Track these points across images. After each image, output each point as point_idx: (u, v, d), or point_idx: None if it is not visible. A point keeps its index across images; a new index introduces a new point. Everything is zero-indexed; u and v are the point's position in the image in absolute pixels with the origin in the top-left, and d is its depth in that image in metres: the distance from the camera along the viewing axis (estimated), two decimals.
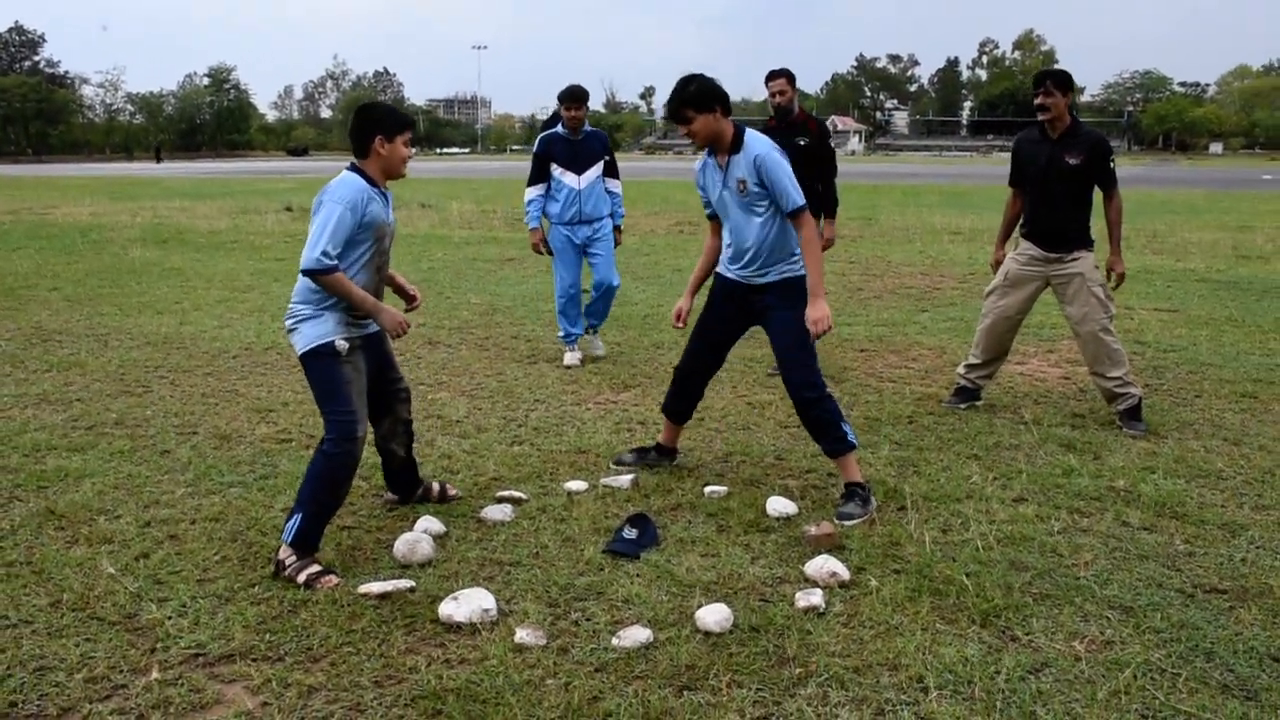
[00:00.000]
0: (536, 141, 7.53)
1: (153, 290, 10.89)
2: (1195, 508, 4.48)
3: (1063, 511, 4.45)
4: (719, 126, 4.44)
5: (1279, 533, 4.22)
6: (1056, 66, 5.74)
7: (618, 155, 7.74)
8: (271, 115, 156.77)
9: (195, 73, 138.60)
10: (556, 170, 7.26)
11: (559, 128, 7.29)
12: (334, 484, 3.88)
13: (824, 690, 3.03)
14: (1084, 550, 4.03)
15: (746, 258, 4.61)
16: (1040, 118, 5.80)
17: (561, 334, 7.53)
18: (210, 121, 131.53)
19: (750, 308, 4.72)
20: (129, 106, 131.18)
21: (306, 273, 3.78)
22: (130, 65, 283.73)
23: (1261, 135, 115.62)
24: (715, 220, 4.84)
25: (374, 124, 3.91)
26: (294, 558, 3.75)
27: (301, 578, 3.70)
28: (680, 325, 4.83)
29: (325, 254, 3.73)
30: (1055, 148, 5.76)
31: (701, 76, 4.45)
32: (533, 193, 7.43)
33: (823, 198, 6.93)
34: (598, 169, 7.31)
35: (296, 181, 38.63)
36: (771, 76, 6.89)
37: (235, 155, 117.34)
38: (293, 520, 3.79)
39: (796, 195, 4.41)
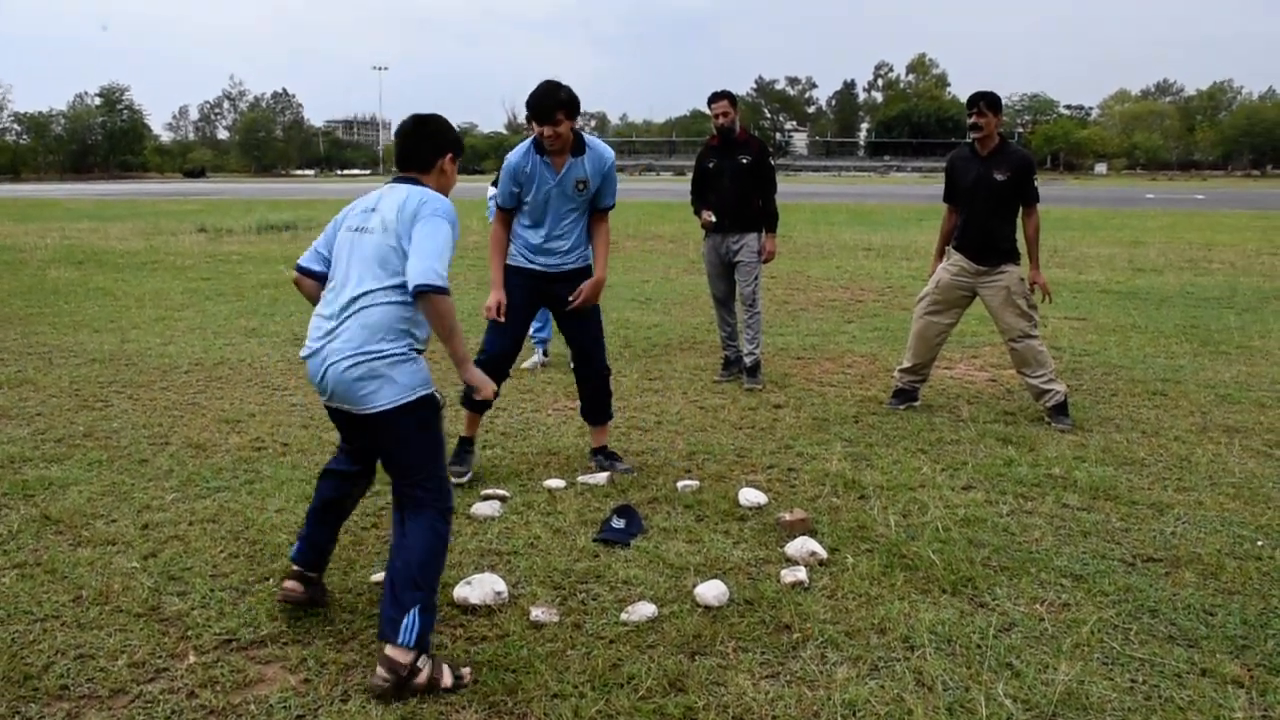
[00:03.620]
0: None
1: (84, 310, 10.79)
2: (1126, 490, 4.92)
3: (1009, 496, 4.84)
4: (571, 131, 4.85)
5: (1200, 510, 4.67)
6: (988, 90, 6.14)
7: None
8: (166, 136, 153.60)
9: (86, 92, 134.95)
10: None
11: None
12: (442, 560, 3.32)
13: (821, 651, 3.34)
14: (1033, 529, 4.42)
15: (562, 250, 5.06)
16: (972, 136, 6.25)
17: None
18: (102, 142, 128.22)
19: (549, 295, 5.13)
20: (15, 126, 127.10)
21: (427, 290, 3.12)
22: (16, 84, 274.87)
23: (1141, 156, 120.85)
24: (508, 213, 5.09)
25: (449, 141, 3.54)
26: (423, 657, 3.10)
27: (447, 679, 3.11)
28: (502, 318, 4.97)
29: (442, 273, 3.17)
30: (985, 165, 6.21)
31: (564, 84, 4.78)
32: (493, 191, 7.77)
33: (764, 213, 7.29)
34: None
35: (202, 203, 38.06)
36: (714, 98, 7.23)
37: (130, 177, 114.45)
38: (409, 618, 3.08)
39: (615, 195, 5.12)
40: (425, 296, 3.14)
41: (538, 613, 3.57)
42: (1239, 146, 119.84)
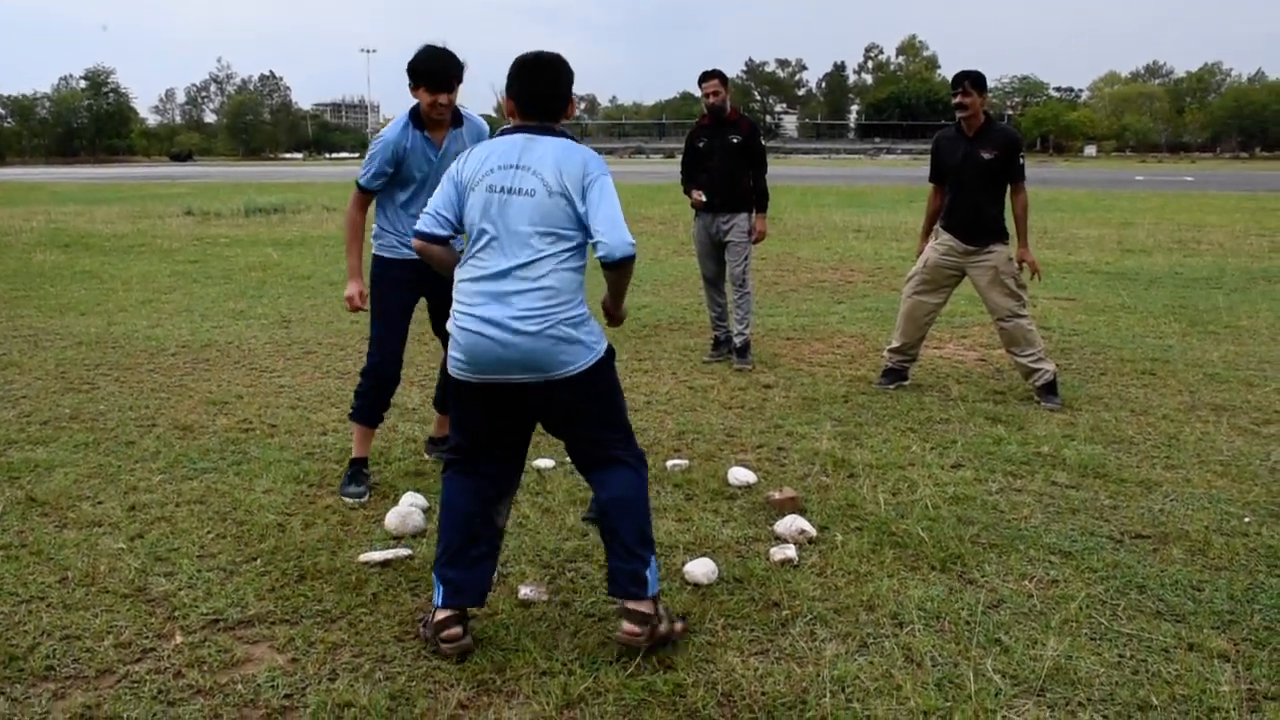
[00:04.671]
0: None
1: (70, 292, 10.73)
2: (1114, 468, 4.92)
3: (998, 475, 4.84)
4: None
5: (1188, 488, 4.68)
6: (973, 69, 6.12)
7: None
8: (153, 120, 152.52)
9: (71, 75, 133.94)
10: None
11: None
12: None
13: (811, 628, 3.34)
14: (1021, 506, 4.43)
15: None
16: (958, 115, 6.23)
17: None
18: (88, 126, 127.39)
19: (429, 287, 4.65)
20: (0, 109, 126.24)
21: (627, 262, 3.11)
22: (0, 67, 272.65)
23: (1131, 139, 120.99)
24: (368, 196, 4.58)
25: (571, 81, 3.28)
26: (662, 607, 3.19)
27: (678, 627, 3.22)
28: (359, 308, 4.62)
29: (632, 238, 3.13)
30: (972, 144, 6.19)
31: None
32: None
33: (754, 193, 7.27)
34: None
35: (189, 186, 37.86)
36: (705, 77, 7.20)
37: (116, 160, 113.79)
38: (649, 569, 3.14)
39: None
40: (623, 262, 3.10)
41: (526, 591, 3.56)
42: (1228, 129, 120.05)
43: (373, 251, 4.67)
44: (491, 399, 3.17)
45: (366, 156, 4.53)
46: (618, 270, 3.15)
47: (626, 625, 3.10)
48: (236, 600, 3.53)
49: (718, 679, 3.02)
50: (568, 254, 3.14)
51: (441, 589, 3.16)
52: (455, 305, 3.17)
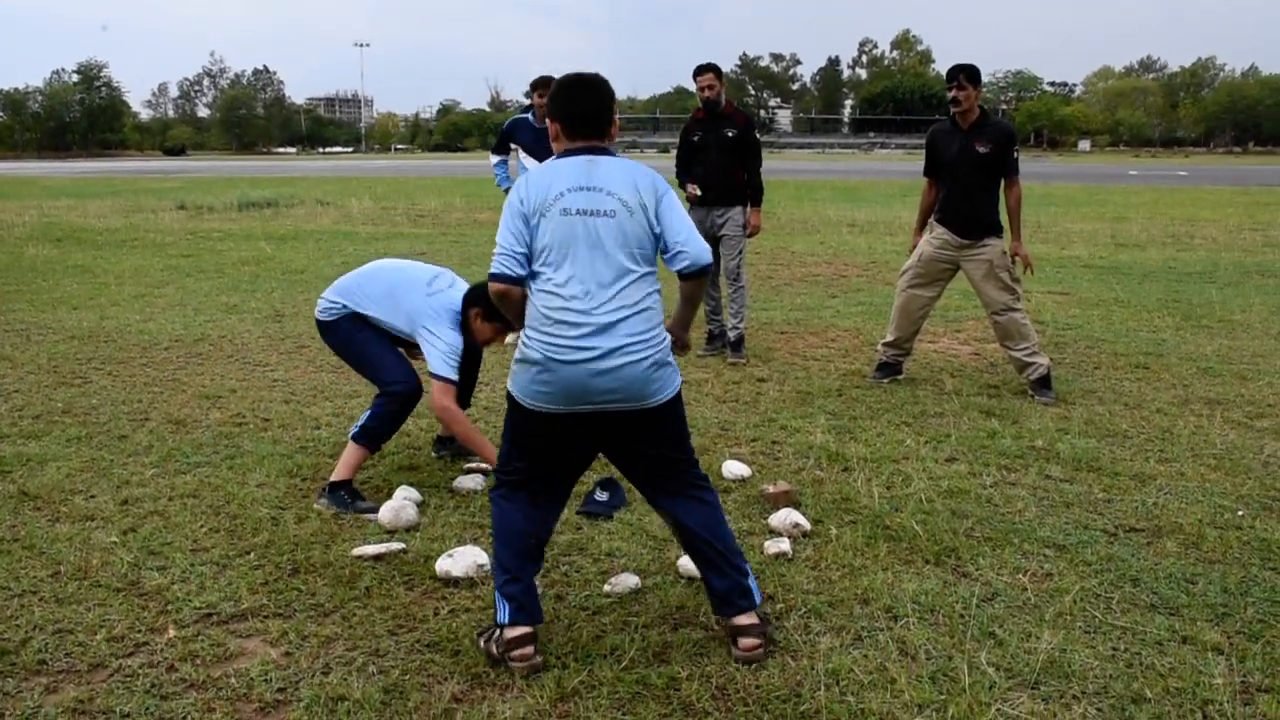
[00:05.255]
0: (507, 120, 8.04)
1: (62, 287, 10.69)
2: (1108, 462, 4.93)
3: (992, 468, 4.85)
4: None
5: (1182, 481, 4.68)
6: (967, 62, 6.12)
7: None
8: (146, 114, 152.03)
9: (64, 69, 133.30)
10: (522, 155, 7.56)
11: (529, 114, 7.57)
12: None
13: (805, 621, 3.33)
14: (1016, 500, 4.43)
15: None
16: (953, 110, 6.22)
17: None
18: (81, 120, 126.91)
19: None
20: None
21: (707, 271, 3.16)
22: None
23: (1125, 133, 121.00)
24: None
25: (614, 99, 3.26)
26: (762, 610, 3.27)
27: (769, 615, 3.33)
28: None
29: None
30: (967, 137, 6.19)
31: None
32: (494, 158, 8.14)
33: (749, 186, 7.26)
34: None
35: (182, 180, 37.75)
36: (699, 71, 7.18)
37: (109, 155, 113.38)
38: (750, 578, 3.20)
39: None
40: (705, 271, 3.12)
41: None
42: (1221, 123, 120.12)
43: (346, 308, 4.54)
44: (568, 428, 3.09)
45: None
46: (698, 280, 3.15)
47: (743, 641, 3.10)
48: (229, 594, 3.52)
49: (712, 672, 3.01)
50: (651, 274, 3.12)
51: (507, 606, 3.07)
52: (539, 336, 3.03)
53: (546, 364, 3.00)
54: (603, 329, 2.99)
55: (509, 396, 3.16)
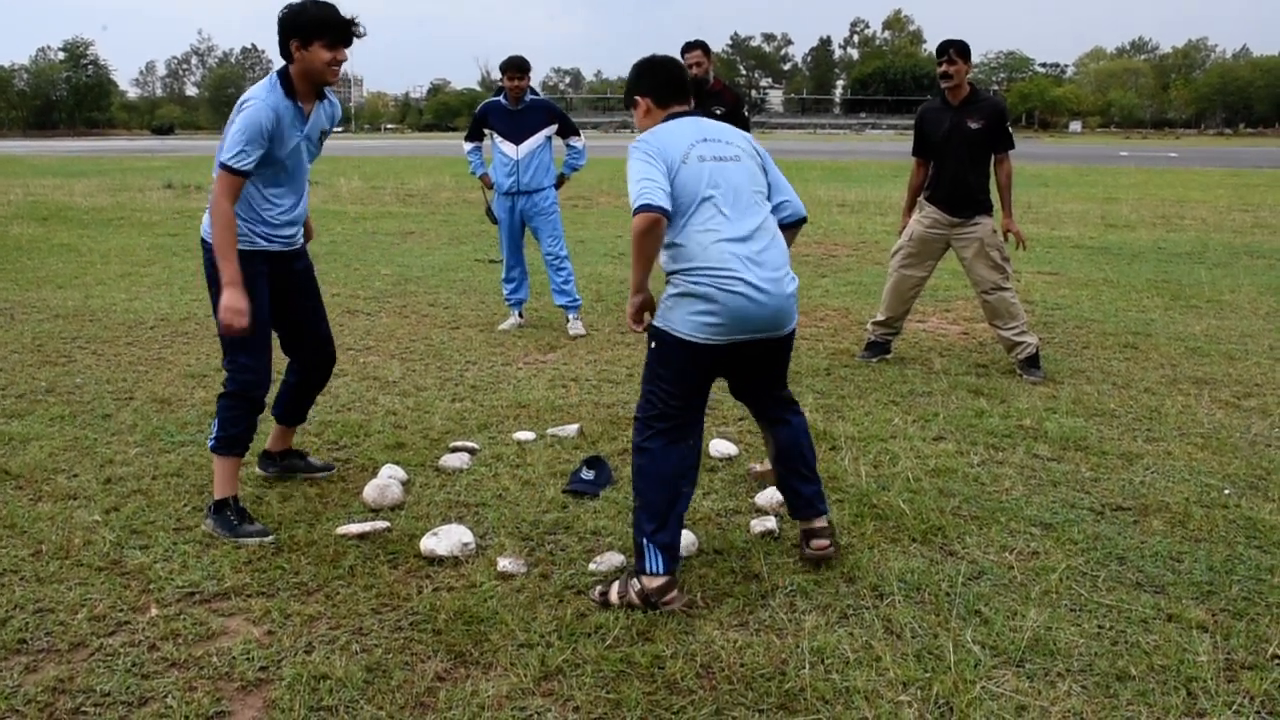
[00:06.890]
0: (479, 105, 7.81)
1: (47, 265, 10.62)
2: (1096, 441, 4.92)
3: (979, 447, 4.84)
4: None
5: (1169, 460, 4.68)
6: (957, 37, 6.08)
7: None
8: (133, 93, 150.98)
9: (49, 46, 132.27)
10: (496, 139, 7.42)
11: (501, 97, 7.45)
12: None
13: (791, 600, 3.32)
14: (1003, 479, 4.42)
15: (299, 221, 4.09)
16: (943, 85, 6.19)
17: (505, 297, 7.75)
18: (67, 98, 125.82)
19: (288, 276, 4.12)
20: None
21: (803, 221, 3.57)
22: None
23: (1116, 115, 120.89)
24: (244, 178, 3.69)
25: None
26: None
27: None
28: (244, 329, 3.89)
29: None
30: (957, 114, 6.16)
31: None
32: (467, 146, 7.86)
33: None
34: (537, 139, 7.38)
35: (170, 159, 37.50)
36: (688, 48, 7.13)
37: (96, 134, 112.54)
38: (822, 489, 3.68)
39: None
40: (804, 221, 3.54)
41: (505, 563, 3.54)
42: (1212, 105, 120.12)
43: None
44: (720, 359, 3.33)
45: (234, 130, 3.63)
46: (796, 228, 3.52)
47: (816, 541, 3.50)
48: (212, 573, 3.50)
49: (696, 650, 3.00)
50: (772, 210, 3.42)
51: (661, 556, 3.23)
52: (706, 271, 3.19)
53: (719, 295, 3.18)
54: (757, 261, 3.23)
55: (664, 339, 3.30)
